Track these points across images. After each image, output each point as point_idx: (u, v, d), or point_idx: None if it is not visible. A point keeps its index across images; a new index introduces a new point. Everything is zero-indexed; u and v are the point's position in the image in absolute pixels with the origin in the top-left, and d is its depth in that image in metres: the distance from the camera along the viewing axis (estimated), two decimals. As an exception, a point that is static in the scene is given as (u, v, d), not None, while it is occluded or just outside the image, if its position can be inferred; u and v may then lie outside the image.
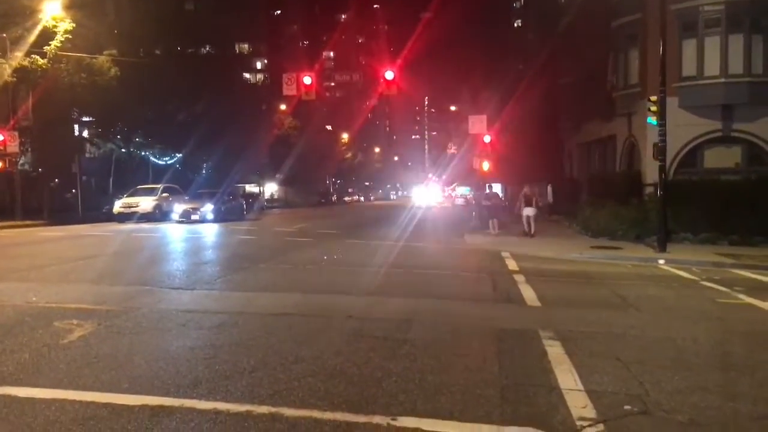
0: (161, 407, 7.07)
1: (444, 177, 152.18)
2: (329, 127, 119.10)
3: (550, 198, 46.37)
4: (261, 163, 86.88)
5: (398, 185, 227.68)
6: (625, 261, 22.48)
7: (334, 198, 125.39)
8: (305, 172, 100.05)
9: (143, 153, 62.19)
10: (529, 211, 31.79)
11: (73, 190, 52.19)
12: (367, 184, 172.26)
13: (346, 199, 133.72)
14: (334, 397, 7.47)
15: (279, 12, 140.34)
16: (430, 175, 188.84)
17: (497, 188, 59.20)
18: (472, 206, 46.34)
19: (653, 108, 25.71)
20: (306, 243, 27.53)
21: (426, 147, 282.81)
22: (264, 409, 7.03)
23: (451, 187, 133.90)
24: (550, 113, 55.22)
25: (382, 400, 7.40)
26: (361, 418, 6.83)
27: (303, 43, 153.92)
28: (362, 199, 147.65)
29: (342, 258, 21.75)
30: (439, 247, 27.10)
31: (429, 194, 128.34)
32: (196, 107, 61.60)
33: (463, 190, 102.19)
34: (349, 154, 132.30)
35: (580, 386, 7.97)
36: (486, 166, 44.64)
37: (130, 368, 8.48)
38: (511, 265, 20.66)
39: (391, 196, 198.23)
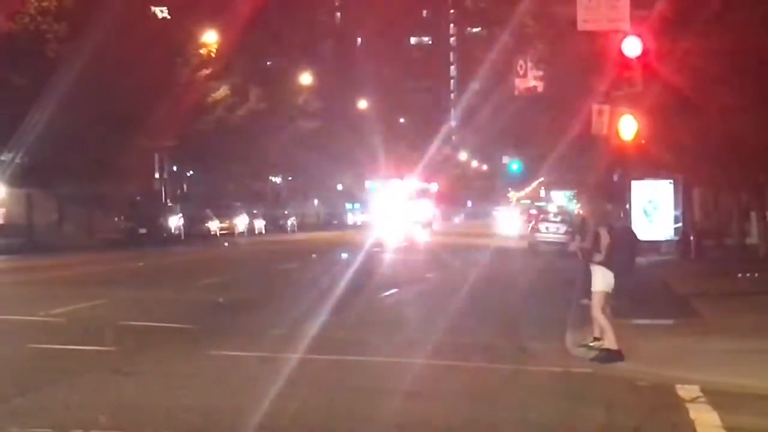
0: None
1: (508, 163, 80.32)
2: (161, 10, 46.44)
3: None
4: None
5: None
6: None
7: (173, 224, 47.96)
8: (80, 142, 37.74)
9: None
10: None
11: None
12: (341, 186, 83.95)
13: (211, 227, 53.12)
14: None
15: None
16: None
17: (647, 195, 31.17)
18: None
19: None
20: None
21: (454, 69, 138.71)
22: None
23: (525, 193, 63.49)
24: None
25: None
26: None
27: None
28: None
29: None
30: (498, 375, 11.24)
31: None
32: None
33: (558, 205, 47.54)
34: (221, 90, 48.36)
35: None
36: (631, 127, 16.20)
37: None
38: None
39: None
